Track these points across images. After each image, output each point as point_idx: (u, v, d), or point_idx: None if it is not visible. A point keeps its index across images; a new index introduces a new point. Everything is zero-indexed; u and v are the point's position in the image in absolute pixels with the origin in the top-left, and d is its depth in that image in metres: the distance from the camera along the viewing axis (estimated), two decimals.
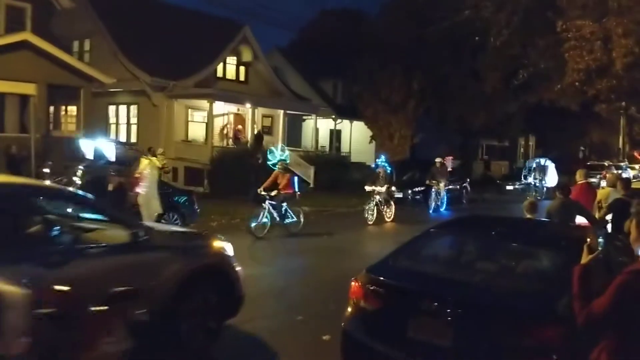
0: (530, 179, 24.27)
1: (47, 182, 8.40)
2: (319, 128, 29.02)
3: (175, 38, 23.61)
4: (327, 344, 5.57)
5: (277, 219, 12.50)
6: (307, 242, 12.13)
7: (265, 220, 12.23)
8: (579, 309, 2.68)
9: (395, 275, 4.48)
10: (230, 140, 24.87)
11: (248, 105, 24.25)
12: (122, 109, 24.08)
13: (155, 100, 22.40)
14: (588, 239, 4.30)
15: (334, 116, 30.35)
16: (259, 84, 27.00)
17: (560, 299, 3.71)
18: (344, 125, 31.46)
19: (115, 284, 4.60)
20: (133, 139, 23.47)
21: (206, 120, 23.34)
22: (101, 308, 4.30)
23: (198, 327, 5.28)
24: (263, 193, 12.48)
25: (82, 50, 23.59)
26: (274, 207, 12.42)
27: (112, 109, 24.27)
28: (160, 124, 22.56)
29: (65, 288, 3.86)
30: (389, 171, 15.91)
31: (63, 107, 21.80)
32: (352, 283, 4.53)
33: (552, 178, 23.87)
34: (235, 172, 19.55)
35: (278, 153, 14.48)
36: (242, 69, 26.40)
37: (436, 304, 3.96)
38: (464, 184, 22.55)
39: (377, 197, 15.33)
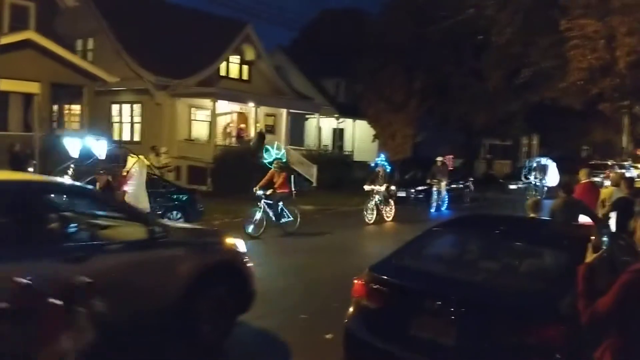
0: (531, 178, 24.14)
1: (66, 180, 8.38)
2: (321, 127, 29.02)
3: (178, 37, 23.63)
4: (330, 343, 5.58)
5: (273, 218, 12.38)
6: (306, 241, 12.11)
7: (258, 215, 12.11)
8: (583, 308, 2.69)
9: (399, 274, 4.49)
10: (233, 139, 24.89)
11: (251, 104, 24.27)
12: (126, 107, 24.11)
13: (158, 99, 22.43)
14: (592, 238, 4.30)
15: (336, 115, 30.36)
16: (262, 82, 27.01)
17: (564, 298, 3.71)
18: (347, 124, 31.47)
19: (135, 279, 4.77)
20: (136, 138, 23.52)
21: (209, 119, 23.38)
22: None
23: (212, 322, 5.37)
24: (259, 192, 12.37)
25: (86, 49, 23.62)
26: (269, 206, 12.33)
27: (115, 107, 24.30)
28: (164, 122, 22.58)
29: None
30: (388, 170, 15.78)
31: (66, 106, 21.83)
32: (355, 282, 4.53)
33: (552, 177, 23.76)
34: (238, 170, 19.57)
35: (274, 151, 14.38)
36: (245, 67, 26.41)
37: (439, 302, 3.97)
38: (467, 183, 22.51)
39: (377, 196, 15.18)
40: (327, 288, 8.00)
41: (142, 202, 10.21)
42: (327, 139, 30.98)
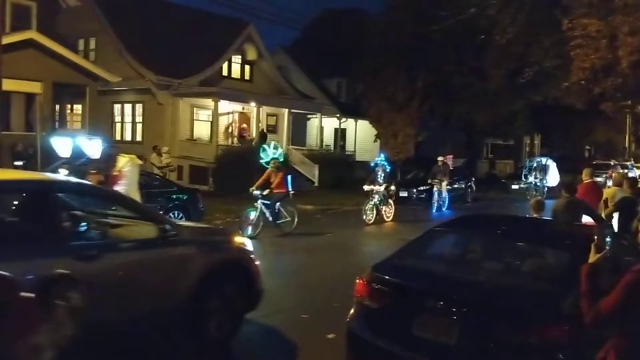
0: (531, 179, 24.06)
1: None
2: (323, 127, 29.03)
3: (180, 37, 23.65)
4: (332, 342, 5.58)
5: (270, 218, 12.21)
6: (306, 241, 12.07)
7: (252, 215, 12.00)
8: (586, 308, 2.68)
9: (401, 274, 4.48)
10: (235, 138, 24.91)
11: (253, 104, 24.29)
12: (127, 107, 24.14)
13: (160, 99, 22.45)
14: (595, 238, 4.28)
15: (338, 115, 30.37)
16: (264, 82, 27.02)
17: (566, 298, 3.70)
18: (349, 123, 31.47)
19: (148, 277, 4.87)
20: (138, 138, 23.55)
21: (211, 119, 23.40)
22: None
23: (222, 319, 5.44)
24: (255, 192, 12.22)
25: (88, 49, 23.65)
26: (266, 206, 12.16)
27: (117, 107, 24.33)
28: (165, 122, 22.60)
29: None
30: (388, 170, 15.61)
31: (68, 106, 21.89)
32: (357, 281, 4.53)
33: (553, 177, 23.70)
34: (240, 170, 19.56)
35: (271, 151, 14.18)
36: (247, 67, 26.42)
37: (441, 302, 3.97)
38: (469, 183, 22.49)
39: (376, 196, 15.01)
40: (328, 288, 7.99)
41: None
42: (329, 138, 30.99)
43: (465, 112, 28.65)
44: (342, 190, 21.58)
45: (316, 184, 23.36)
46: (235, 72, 25.97)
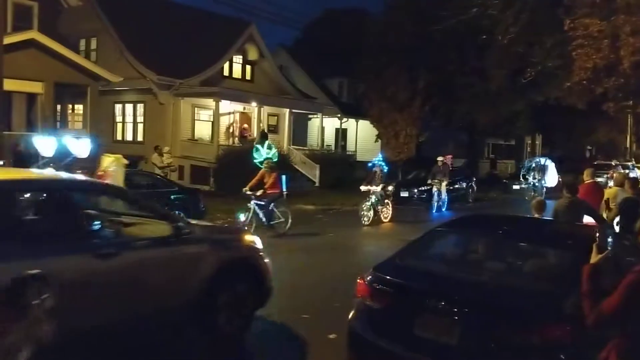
0: (529, 179, 24.01)
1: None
2: (324, 127, 29.03)
3: (181, 37, 23.67)
4: (333, 342, 5.58)
5: (263, 219, 12.05)
6: (306, 241, 12.04)
7: (244, 216, 11.88)
8: (588, 309, 2.68)
9: (402, 274, 4.48)
10: (236, 138, 24.91)
11: (254, 104, 24.29)
12: (129, 107, 24.15)
13: (161, 99, 22.46)
14: (597, 238, 4.28)
15: (339, 115, 30.36)
16: (265, 82, 27.03)
17: (568, 298, 3.69)
18: (350, 123, 31.46)
19: (163, 274, 4.99)
20: (139, 138, 23.58)
21: (212, 119, 23.41)
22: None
23: (232, 315, 5.54)
24: (248, 192, 12.08)
25: (89, 49, 23.67)
26: (260, 207, 12.01)
27: (118, 107, 24.34)
28: (167, 122, 22.61)
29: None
30: (385, 170, 15.46)
31: (70, 106, 21.90)
32: (358, 281, 4.53)
33: (552, 178, 23.66)
34: (241, 170, 19.53)
35: (264, 151, 14.01)
36: (248, 67, 26.43)
37: (443, 302, 3.96)
38: (470, 183, 22.46)
39: (373, 196, 14.84)
40: (328, 288, 7.99)
41: None
42: (330, 139, 30.98)
43: (466, 112, 28.64)
44: (343, 190, 21.57)
45: (317, 184, 23.36)
46: (237, 72, 25.97)
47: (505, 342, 3.68)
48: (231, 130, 25.34)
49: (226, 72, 25.28)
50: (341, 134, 31.71)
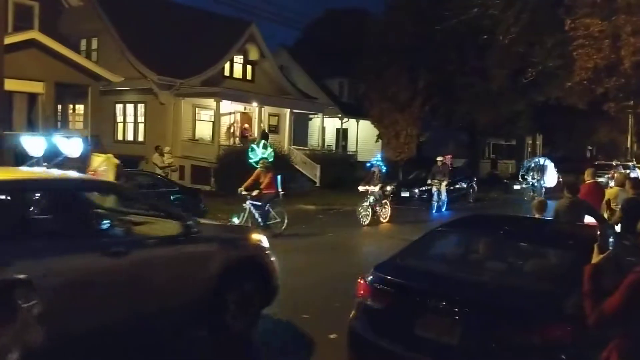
0: (528, 179, 23.96)
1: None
2: (325, 127, 29.04)
3: (182, 37, 23.68)
4: (334, 342, 5.58)
5: (259, 219, 11.96)
6: (306, 241, 12.03)
7: (236, 219, 11.81)
8: (589, 309, 2.67)
9: (403, 274, 4.48)
10: (237, 138, 24.92)
11: (255, 104, 24.29)
12: (130, 107, 24.16)
13: (162, 99, 22.47)
14: (598, 238, 4.28)
15: (340, 115, 30.36)
16: (266, 82, 27.03)
17: (569, 298, 3.69)
18: (351, 124, 31.46)
19: (172, 272, 5.05)
20: (140, 138, 23.59)
21: (213, 119, 23.41)
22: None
23: (240, 313, 5.61)
24: (244, 193, 11.98)
25: (90, 49, 23.68)
26: (256, 207, 11.93)
27: (119, 107, 24.35)
28: (168, 122, 22.62)
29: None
30: (383, 170, 15.38)
31: (71, 106, 21.91)
32: (359, 281, 4.52)
33: (551, 178, 23.63)
34: (242, 170, 19.54)
35: (259, 151, 13.90)
36: (248, 67, 26.44)
37: (444, 302, 3.96)
38: (471, 183, 22.46)
39: (371, 197, 14.77)
40: (328, 288, 8.00)
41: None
42: (330, 139, 30.99)
43: (467, 112, 28.63)
44: (344, 190, 21.55)
45: (318, 184, 23.37)
46: (237, 72, 25.98)
47: (506, 342, 3.68)
48: (232, 130, 25.35)
49: (227, 72, 25.28)
50: (342, 134, 31.71)
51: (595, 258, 2.86)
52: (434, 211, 18.04)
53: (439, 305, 3.97)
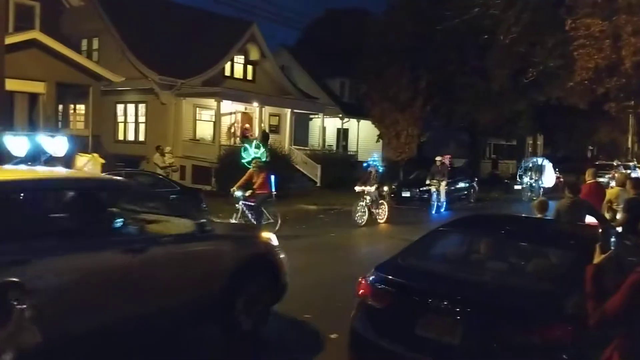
0: (526, 179, 23.90)
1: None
2: (326, 127, 29.04)
3: (183, 37, 23.68)
4: (335, 342, 5.59)
5: (253, 220, 11.84)
6: (306, 241, 12.00)
7: (231, 219, 11.71)
8: (591, 309, 2.67)
9: (404, 274, 4.48)
10: (238, 138, 24.92)
11: (255, 104, 24.29)
12: (130, 107, 24.18)
13: (163, 99, 22.48)
14: (600, 239, 4.28)
15: (341, 115, 30.36)
16: (267, 82, 27.03)
17: (570, 298, 3.70)
18: (351, 124, 31.46)
19: (188, 269, 5.16)
20: (141, 138, 23.61)
21: (214, 119, 23.42)
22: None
23: (251, 310, 5.70)
24: (237, 193, 11.86)
25: (91, 49, 23.69)
26: (249, 208, 11.79)
27: (120, 107, 24.36)
28: (168, 122, 22.63)
29: None
30: (380, 171, 15.29)
31: (72, 106, 21.91)
32: (360, 281, 4.53)
33: (549, 178, 23.58)
34: (243, 170, 19.52)
35: (252, 150, 13.79)
36: (249, 67, 26.45)
37: (445, 302, 3.96)
38: (472, 183, 22.45)
39: (368, 197, 14.66)
40: (329, 288, 8.01)
41: None
42: (331, 139, 30.99)
43: (467, 112, 28.61)
44: (345, 190, 21.50)
45: (318, 184, 23.37)
46: (238, 72, 25.99)
47: (507, 342, 3.68)
48: (233, 130, 25.36)
49: (228, 72, 25.29)
50: (342, 134, 31.71)
51: (597, 258, 2.86)
52: (433, 211, 17.94)
53: (440, 305, 3.96)
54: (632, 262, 4.16)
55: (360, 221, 14.49)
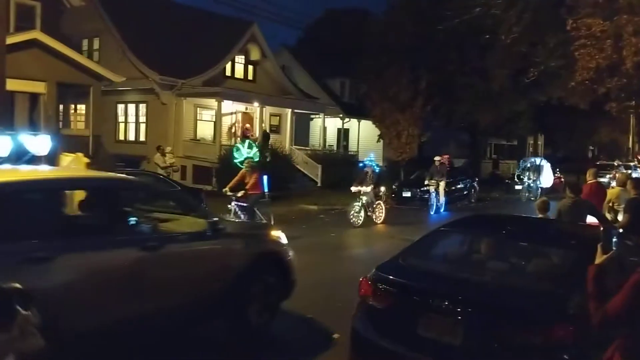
0: (525, 179, 23.85)
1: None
2: (326, 127, 29.03)
3: (183, 37, 23.69)
4: (337, 342, 5.59)
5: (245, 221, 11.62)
6: (306, 241, 11.84)
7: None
8: (593, 309, 2.67)
9: (405, 274, 4.48)
10: (239, 138, 24.91)
11: (256, 104, 24.29)
12: (131, 107, 24.19)
13: (163, 99, 22.48)
14: (601, 237, 4.27)
15: (341, 115, 30.35)
16: (267, 82, 27.04)
17: (571, 298, 3.69)
18: (352, 124, 31.46)
19: (202, 266, 5.30)
20: (142, 138, 23.62)
21: (214, 119, 23.43)
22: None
23: (262, 306, 5.84)
24: (229, 193, 11.74)
25: (91, 49, 23.70)
26: (242, 208, 11.64)
27: (121, 107, 24.37)
28: (169, 122, 22.64)
29: None
30: (376, 171, 15.19)
31: (72, 106, 21.93)
32: (361, 281, 4.52)
33: (547, 178, 23.53)
34: None
35: (245, 150, 13.70)
36: (250, 67, 26.44)
37: (446, 302, 3.96)
38: (473, 183, 22.44)
39: (364, 197, 14.59)
40: (330, 288, 8.01)
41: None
42: (332, 139, 30.98)
43: (468, 112, 28.61)
44: (345, 190, 21.43)
45: (319, 184, 23.37)
46: (239, 72, 25.99)
47: (509, 342, 3.68)
48: (233, 130, 25.36)
49: (228, 72, 25.29)
50: (343, 134, 31.70)
51: (599, 258, 2.85)
52: (432, 212, 17.85)
53: (441, 305, 3.97)
54: (634, 263, 4.16)
55: (355, 222, 14.37)
